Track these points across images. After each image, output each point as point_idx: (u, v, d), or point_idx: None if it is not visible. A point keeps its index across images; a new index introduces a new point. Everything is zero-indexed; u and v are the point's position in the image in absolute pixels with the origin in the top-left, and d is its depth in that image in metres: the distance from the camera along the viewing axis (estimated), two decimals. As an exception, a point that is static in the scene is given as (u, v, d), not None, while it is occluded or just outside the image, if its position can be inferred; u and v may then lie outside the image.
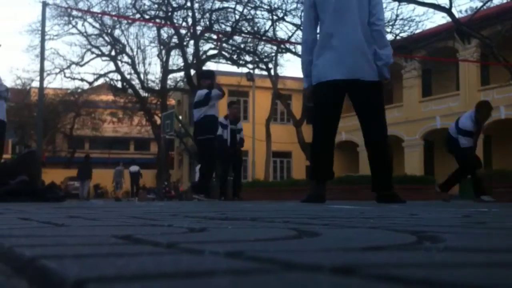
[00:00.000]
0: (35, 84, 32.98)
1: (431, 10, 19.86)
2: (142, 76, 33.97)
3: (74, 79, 34.50)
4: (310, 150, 5.88)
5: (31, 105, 36.61)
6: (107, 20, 31.13)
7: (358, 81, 5.46)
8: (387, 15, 21.24)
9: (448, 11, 17.79)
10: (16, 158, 7.29)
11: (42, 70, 16.80)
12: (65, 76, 33.77)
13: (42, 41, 17.24)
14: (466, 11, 23.21)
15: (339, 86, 5.52)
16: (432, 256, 0.87)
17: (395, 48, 21.45)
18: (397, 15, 22.17)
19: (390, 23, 21.42)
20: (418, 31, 22.66)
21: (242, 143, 12.00)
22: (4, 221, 2.02)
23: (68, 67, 33.32)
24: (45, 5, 16.98)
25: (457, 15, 19.06)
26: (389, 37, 21.68)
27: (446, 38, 23.40)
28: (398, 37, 21.85)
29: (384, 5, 21.49)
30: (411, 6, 20.97)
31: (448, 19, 18.88)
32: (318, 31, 5.79)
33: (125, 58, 34.08)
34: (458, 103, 25.72)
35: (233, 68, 37.31)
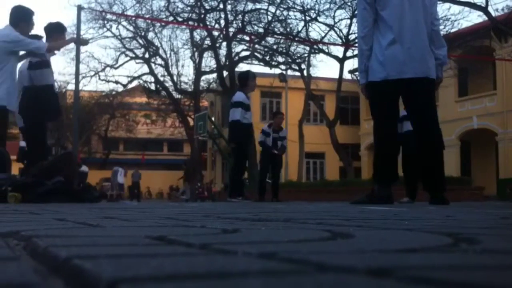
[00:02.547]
0: (71, 86, 33.45)
1: (467, 8, 19.60)
2: (175, 78, 34.26)
3: (108, 81, 34.98)
4: (374, 151, 5.80)
5: (67, 108, 37.25)
6: (141, 23, 31.47)
7: (424, 79, 5.41)
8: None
9: (484, 9, 17.52)
10: (52, 159, 7.40)
11: (77, 73, 17.04)
12: (100, 78, 34.25)
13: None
14: (502, 9, 22.81)
15: (402, 84, 5.45)
16: (469, 258, 0.85)
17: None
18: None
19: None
20: (454, 30, 22.34)
21: (283, 150, 12.36)
22: (41, 222, 2.05)
23: (103, 69, 33.80)
24: (80, 9, 17.25)
25: (493, 13, 18.76)
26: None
27: (483, 37, 23.00)
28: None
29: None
30: (447, 4, 20.68)
31: (485, 17, 18.60)
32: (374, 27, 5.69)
33: (159, 60, 34.40)
34: (495, 103, 25.28)
35: (266, 69, 37.37)
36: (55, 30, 7.78)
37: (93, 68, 34.31)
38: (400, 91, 5.51)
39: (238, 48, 29.17)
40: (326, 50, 25.91)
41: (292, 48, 27.14)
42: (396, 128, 5.68)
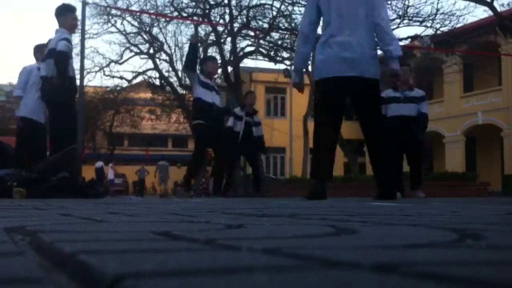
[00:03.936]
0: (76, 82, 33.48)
1: (472, 4, 19.48)
2: (180, 73, 34.22)
3: (113, 77, 34.94)
4: (313, 148, 5.89)
5: (72, 103, 37.16)
6: (146, 18, 31.43)
7: (359, 78, 5.46)
8: (427, 9, 20.99)
9: (489, 4, 17.45)
10: (57, 154, 7.42)
11: (82, 68, 17.07)
12: (104, 74, 34.20)
13: (82, 40, 17.52)
14: (508, 4, 22.69)
15: (341, 83, 5.51)
16: (475, 254, 0.85)
17: (436, 42, 21.13)
18: (437, 9, 21.66)
19: (430, 18, 21.07)
20: (459, 25, 22.25)
21: (263, 145, 11.09)
22: (46, 217, 2.06)
23: (108, 65, 33.76)
24: (85, 4, 17.23)
25: (499, 8, 18.67)
26: (429, 31, 21.32)
27: (488, 32, 22.90)
28: (438, 32, 21.49)
29: None
30: (452, 0, 20.62)
31: (490, 13, 18.52)
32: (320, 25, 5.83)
33: (163, 56, 34.36)
34: (500, 99, 25.21)
35: (271, 65, 37.31)
36: (65, 12, 7.90)
37: (98, 63, 34.24)
38: (340, 90, 5.59)
39: (243, 43, 29.18)
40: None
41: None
42: (332, 127, 5.73)
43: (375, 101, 5.69)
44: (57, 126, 7.69)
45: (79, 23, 18.41)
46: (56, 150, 7.40)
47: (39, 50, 8.88)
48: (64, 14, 7.83)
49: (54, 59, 7.49)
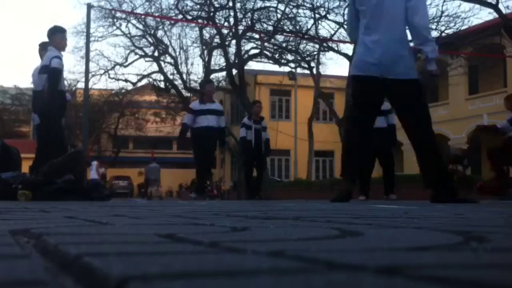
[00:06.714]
0: (81, 85, 33.42)
1: (477, 6, 19.47)
2: (184, 76, 34.23)
3: (118, 80, 34.98)
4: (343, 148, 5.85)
5: (77, 106, 37.30)
6: (150, 21, 31.47)
7: (390, 79, 5.33)
8: (432, 11, 20.96)
9: (494, 7, 17.42)
10: (62, 157, 7.43)
11: (87, 71, 17.10)
12: (109, 77, 34.22)
13: (87, 42, 17.57)
14: (513, 6, 22.63)
15: (375, 83, 5.41)
16: (479, 256, 0.85)
17: (440, 45, 21.09)
18: (442, 12, 21.68)
19: (435, 20, 21.05)
20: (464, 27, 22.22)
21: (268, 147, 11.92)
22: (51, 219, 2.06)
23: (112, 68, 33.79)
24: (90, 7, 17.29)
25: (504, 11, 18.64)
26: (434, 33, 21.28)
27: (493, 35, 22.84)
28: (443, 34, 21.46)
29: (429, 1, 21.01)
30: (457, 2, 20.73)
31: (495, 15, 18.48)
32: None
33: (168, 59, 34.38)
34: (506, 101, 25.12)
35: (275, 67, 37.35)
36: (55, 32, 8.27)
37: (103, 66, 34.19)
38: (374, 89, 5.49)
39: (247, 46, 29.15)
40: (336, 48, 25.85)
41: (301, 46, 27.08)
42: (366, 127, 5.72)
43: (415, 102, 5.48)
44: (46, 137, 8.03)
45: (84, 26, 18.44)
46: (43, 160, 7.66)
47: (44, 48, 8.94)
48: (54, 34, 8.24)
49: (48, 75, 7.87)
